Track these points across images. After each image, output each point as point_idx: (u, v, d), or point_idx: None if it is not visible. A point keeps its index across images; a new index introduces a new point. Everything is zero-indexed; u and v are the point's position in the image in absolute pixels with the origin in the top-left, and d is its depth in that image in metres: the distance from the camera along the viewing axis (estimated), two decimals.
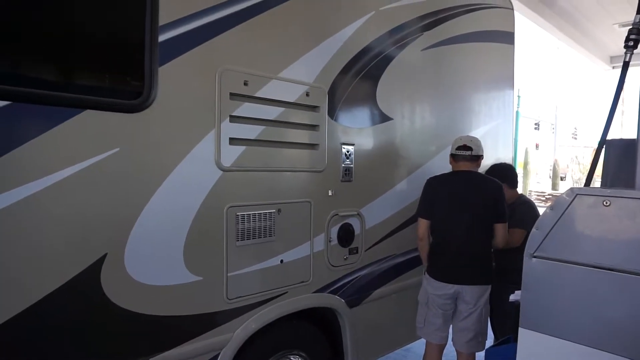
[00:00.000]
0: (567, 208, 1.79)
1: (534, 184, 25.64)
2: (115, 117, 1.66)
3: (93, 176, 1.60)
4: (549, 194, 20.87)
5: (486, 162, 3.46)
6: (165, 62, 1.77)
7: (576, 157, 24.35)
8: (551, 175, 26.73)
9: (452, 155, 2.81)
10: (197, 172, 1.90)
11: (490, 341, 3.16)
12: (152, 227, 1.76)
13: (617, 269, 1.64)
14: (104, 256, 1.63)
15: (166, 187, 1.79)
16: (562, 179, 26.40)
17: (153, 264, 1.77)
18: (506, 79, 4.04)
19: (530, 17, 7.24)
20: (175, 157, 1.83)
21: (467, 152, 2.74)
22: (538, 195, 20.62)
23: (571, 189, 1.81)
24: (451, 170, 2.85)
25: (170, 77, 1.79)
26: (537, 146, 32.07)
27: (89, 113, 1.59)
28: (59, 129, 1.52)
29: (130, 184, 1.71)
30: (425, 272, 2.76)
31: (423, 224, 2.74)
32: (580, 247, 1.75)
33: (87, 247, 1.60)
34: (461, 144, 2.76)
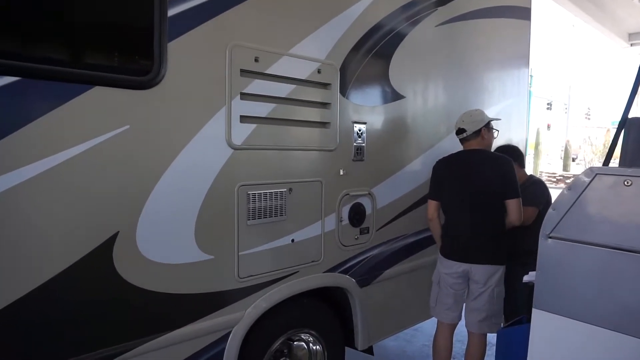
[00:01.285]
0: (585, 188, 1.75)
1: (544, 165, 25.35)
2: (125, 94, 1.64)
3: (103, 154, 1.58)
4: (560, 175, 20.65)
5: (498, 141, 3.40)
6: (174, 37, 1.73)
7: (589, 137, 23.95)
8: (562, 156, 26.39)
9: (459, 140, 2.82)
10: (208, 150, 1.87)
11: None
12: (163, 206, 1.75)
13: (638, 250, 1.60)
14: (116, 234, 1.63)
15: (177, 165, 1.77)
16: (573, 159, 26.05)
17: (165, 242, 1.77)
18: (521, 56, 3.93)
19: None
20: (186, 134, 1.80)
21: (463, 134, 2.73)
22: (549, 177, 20.42)
23: (590, 168, 1.76)
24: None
25: (180, 53, 1.75)
26: (548, 127, 31.58)
27: (98, 90, 1.56)
28: (68, 105, 1.50)
29: (141, 161, 1.69)
30: (439, 252, 2.78)
31: (432, 205, 2.79)
32: (599, 228, 1.71)
33: (98, 225, 1.60)
34: (456, 128, 2.78)
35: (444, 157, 2.80)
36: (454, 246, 2.67)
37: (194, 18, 1.79)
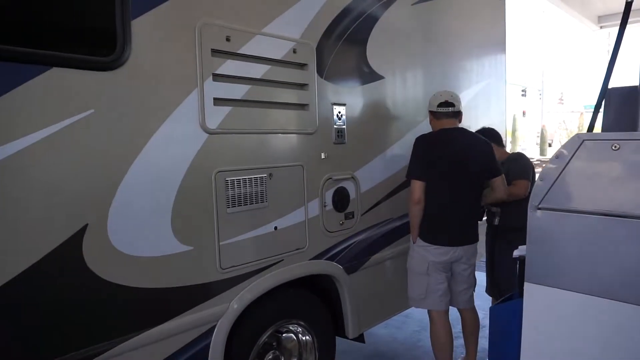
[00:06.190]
0: (573, 155, 1.71)
1: (522, 151, 25.79)
2: (88, 76, 1.52)
3: (66, 141, 1.47)
4: (537, 160, 21.01)
5: (478, 123, 3.37)
6: (138, 14, 1.62)
7: (563, 121, 24.47)
8: (539, 142, 26.87)
9: (433, 113, 2.65)
10: (181, 135, 1.77)
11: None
12: (135, 195, 1.63)
13: (630, 215, 1.57)
14: (85, 227, 1.51)
15: (148, 151, 1.66)
16: (549, 144, 26.59)
17: (139, 234, 1.66)
18: (497, 36, 3.91)
19: None
20: (156, 119, 1.69)
21: (450, 108, 2.59)
22: None
23: (577, 135, 1.72)
24: (432, 128, 2.70)
25: (145, 31, 1.64)
26: (524, 113, 32.08)
27: (56, 71, 1.44)
28: (22, 88, 1.38)
29: (108, 148, 1.57)
30: (421, 240, 2.59)
31: (418, 186, 2.52)
32: (589, 195, 1.68)
33: (64, 218, 1.48)
34: (442, 100, 2.60)
35: (427, 135, 2.65)
36: (451, 231, 2.55)
37: None
